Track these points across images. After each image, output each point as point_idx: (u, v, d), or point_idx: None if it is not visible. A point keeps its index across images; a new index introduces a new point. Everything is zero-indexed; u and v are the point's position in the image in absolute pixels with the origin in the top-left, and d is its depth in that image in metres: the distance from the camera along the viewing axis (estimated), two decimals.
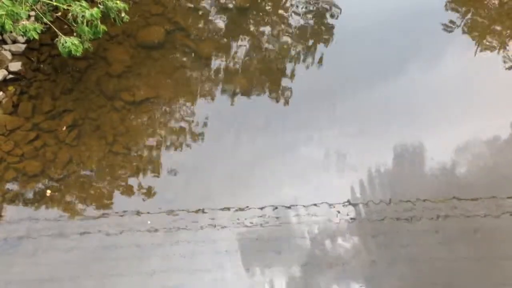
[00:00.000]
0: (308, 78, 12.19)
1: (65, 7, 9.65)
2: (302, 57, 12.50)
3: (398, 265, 9.97)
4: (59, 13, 10.75)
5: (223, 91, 11.82)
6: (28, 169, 10.31)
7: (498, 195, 10.86)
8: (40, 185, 10.27)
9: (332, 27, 13.03)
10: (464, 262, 10.08)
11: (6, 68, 11.10)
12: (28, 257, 9.56)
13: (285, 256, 9.93)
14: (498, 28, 13.40)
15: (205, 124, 11.34)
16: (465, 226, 10.47)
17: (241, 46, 12.48)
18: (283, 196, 10.53)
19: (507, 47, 13.07)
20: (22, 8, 9.19)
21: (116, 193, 10.40)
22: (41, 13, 10.00)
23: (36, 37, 9.48)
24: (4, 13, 8.85)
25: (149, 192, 10.43)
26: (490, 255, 10.19)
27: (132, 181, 10.54)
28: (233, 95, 11.78)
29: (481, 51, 13.02)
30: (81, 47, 9.80)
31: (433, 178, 11.08)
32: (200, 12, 12.87)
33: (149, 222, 10.02)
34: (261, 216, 10.28)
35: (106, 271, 9.54)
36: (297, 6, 13.32)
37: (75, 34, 10.04)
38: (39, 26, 9.54)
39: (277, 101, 11.81)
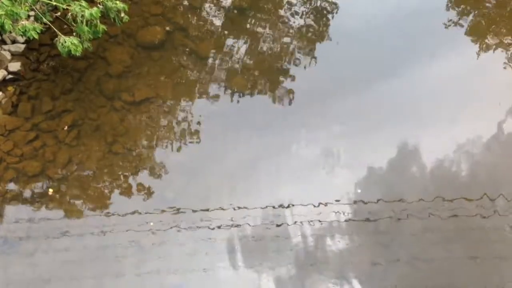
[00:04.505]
0: (307, 78, 12.19)
1: (64, 7, 9.63)
2: (301, 57, 12.50)
3: (398, 265, 9.96)
4: (59, 13, 10.73)
5: (223, 91, 11.82)
6: (28, 169, 10.30)
7: (498, 195, 10.86)
8: (40, 185, 10.26)
9: (331, 26, 13.03)
10: (464, 262, 10.07)
11: (6, 68, 11.09)
12: (28, 257, 9.55)
13: (284, 256, 9.91)
14: (498, 28, 13.40)
15: (204, 124, 11.33)
16: (466, 226, 10.46)
17: (240, 46, 12.48)
18: (281, 196, 10.52)
19: (507, 47, 13.07)
20: (22, 8, 9.17)
21: (116, 193, 10.39)
22: (40, 13, 9.99)
23: (36, 37, 9.46)
24: (3, 13, 8.83)
25: (149, 192, 10.42)
26: (491, 255, 10.18)
27: (132, 181, 10.53)
28: (233, 95, 11.78)
29: (480, 51, 13.02)
30: (81, 47, 9.78)
31: (433, 178, 11.07)
32: (200, 12, 12.88)
33: (152, 223, 10.00)
34: (260, 216, 10.28)
35: (106, 271, 9.53)
36: (296, 6, 13.32)
37: (74, 34, 10.03)
38: (38, 26, 9.52)
39: (276, 101, 11.81)
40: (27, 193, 10.17)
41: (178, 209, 10.22)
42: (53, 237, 9.77)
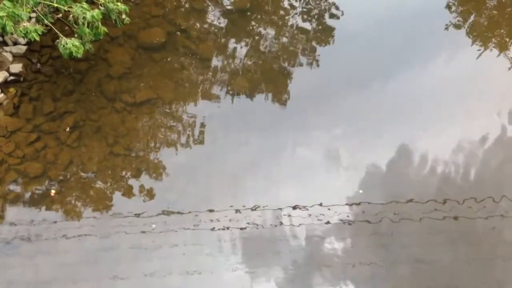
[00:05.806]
0: (307, 79, 12.22)
1: (66, 8, 9.66)
2: (302, 58, 12.53)
3: (398, 266, 9.97)
4: (60, 15, 10.77)
5: (224, 93, 11.84)
6: (29, 171, 10.31)
7: (498, 195, 10.88)
8: (41, 187, 10.27)
9: (332, 28, 13.07)
10: (465, 263, 10.09)
11: (7, 70, 11.11)
12: (28, 259, 9.55)
13: (284, 257, 9.93)
14: (498, 28, 13.43)
15: (205, 125, 11.36)
16: (466, 227, 10.47)
17: (241, 48, 12.50)
18: (282, 197, 10.54)
19: (507, 47, 13.10)
20: (23, 10, 9.20)
21: (117, 195, 10.40)
22: (42, 15, 10.02)
23: (37, 38, 9.48)
24: (5, 14, 8.87)
25: (150, 193, 10.43)
26: (491, 256, 10.20)
27: (133, 182, 10.54)
28: (233, 96, 11.80)
29: (480, 51, 13.05)
30: (82, 48, 9.81)
31: (433, 179, 11.09)
32: (201, 14, 12.90)
33: (154, 226, 10.01)
34: (260, 217, 10.29)
35: (106, 272, 9.53)
36: (297, 8, 13.35)
37: (76, 35, 10.06)
38: (40, 28, 9.56)
39: (277, 102, 11.83)
40: (28, 195, 10.18)
41: (180, 211, 10.23)
42: (54, 238, 9.77)
